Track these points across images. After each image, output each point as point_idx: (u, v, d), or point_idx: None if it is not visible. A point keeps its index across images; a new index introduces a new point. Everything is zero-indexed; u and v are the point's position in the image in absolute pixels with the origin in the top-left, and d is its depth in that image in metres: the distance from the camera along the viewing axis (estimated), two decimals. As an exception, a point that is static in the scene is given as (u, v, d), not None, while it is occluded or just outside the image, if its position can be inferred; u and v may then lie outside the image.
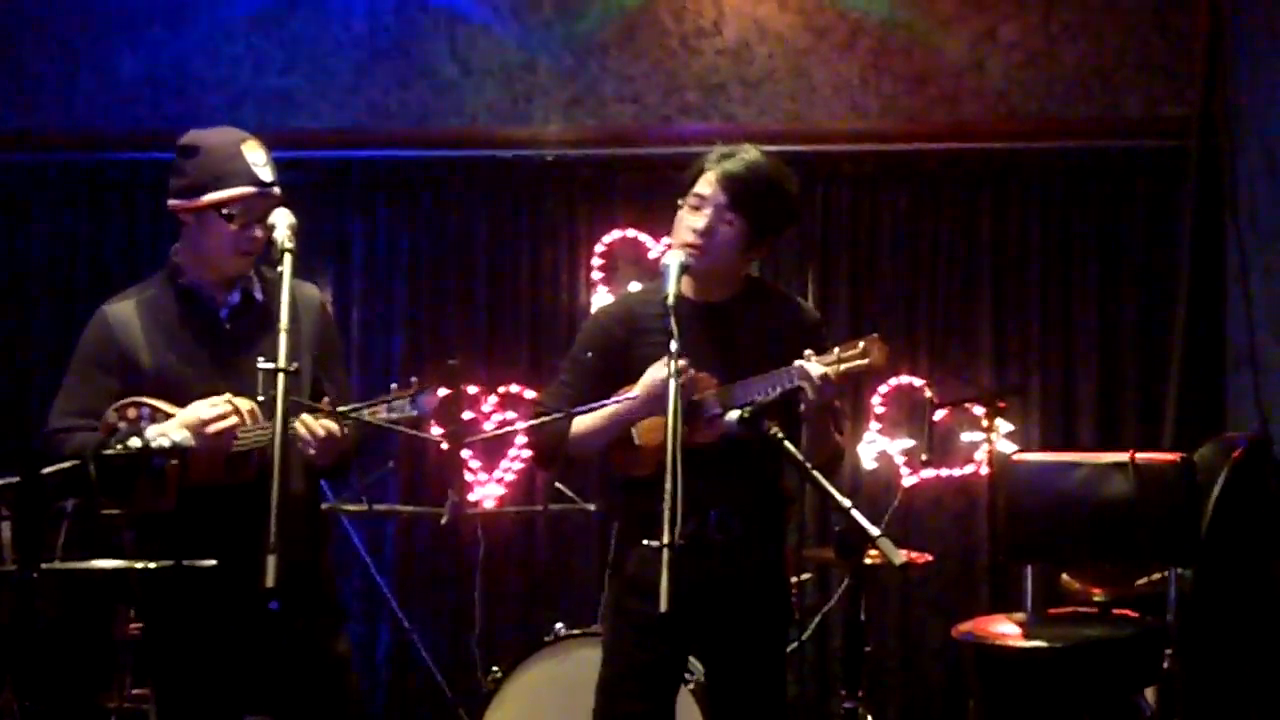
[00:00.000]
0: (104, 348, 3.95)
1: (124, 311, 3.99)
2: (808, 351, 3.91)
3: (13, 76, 7.04)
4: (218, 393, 3.83)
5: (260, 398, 3.73)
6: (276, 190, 3.94)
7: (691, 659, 4.64)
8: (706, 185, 4.04)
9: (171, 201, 3.97)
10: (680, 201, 4.09)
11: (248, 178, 3.90)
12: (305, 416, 3.79)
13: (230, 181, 3.89)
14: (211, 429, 3.77)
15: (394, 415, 3.79)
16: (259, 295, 4.02)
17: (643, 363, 4.01)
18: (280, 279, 3.77)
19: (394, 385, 3.80)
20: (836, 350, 3.92)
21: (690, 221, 4.04)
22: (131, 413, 3.85)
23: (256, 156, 3.93)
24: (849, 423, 6.51)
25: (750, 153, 4.08)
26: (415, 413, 3.77)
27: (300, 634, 3.92)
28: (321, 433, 3.79)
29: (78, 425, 3.88)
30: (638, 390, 3.99)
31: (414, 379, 3.79)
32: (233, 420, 3.79)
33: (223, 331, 3.97)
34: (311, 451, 3.81)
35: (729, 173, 4.02)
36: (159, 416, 3.83)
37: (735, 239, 4.05)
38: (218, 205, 3.89)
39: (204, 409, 3.79)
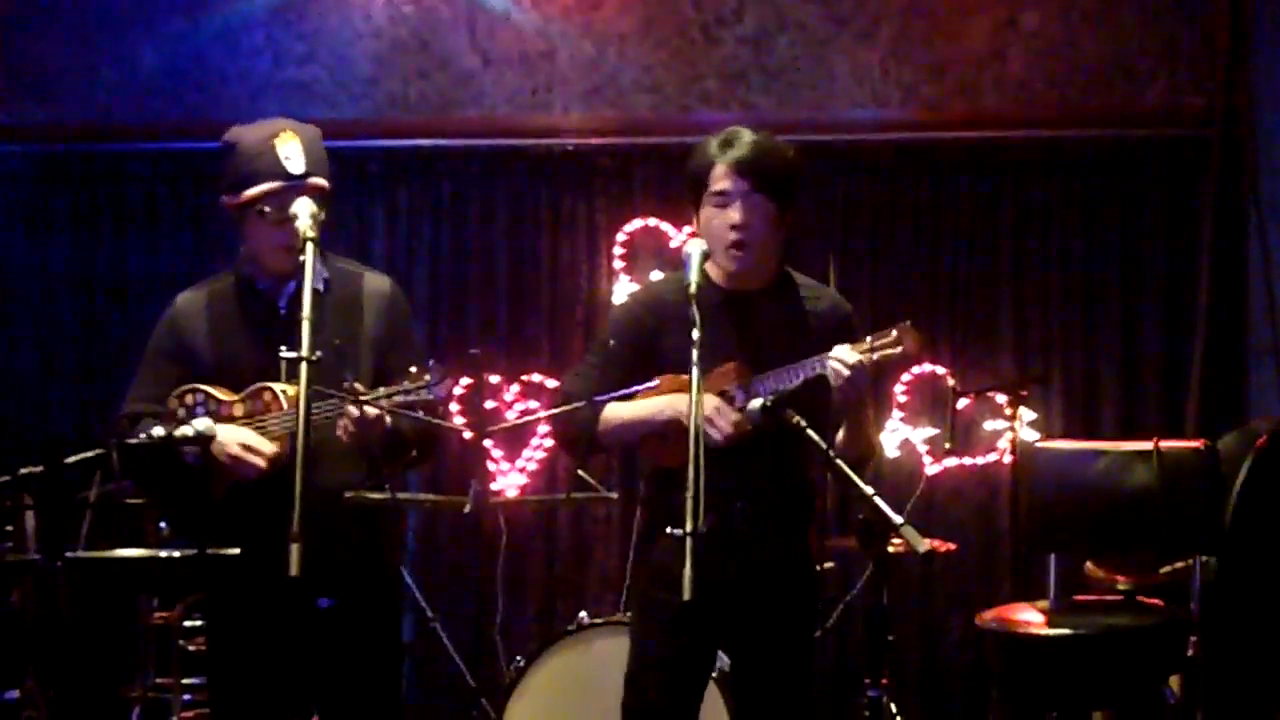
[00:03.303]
0: (168, 336, 4.08)
1: (192, 301, 4.09)
2: (843, 345, 3.88)
3: (34, 69, 7.05)
4: (270, 379, 3.88)
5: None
6: (314, 180, 3.95)
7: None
8: (724, 179, 3.98)
9: (222, 199, 4.01)
10: (695, 202, 4.06)
11: (275, 173, 3.91)
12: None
13: (260, 178, 3.92)
14: (233, 451, 3.83)
15: (411, 399, 3.78)
16: (319, 285, 3.99)
17: (670, 351, 3.98)
18: (346, 269, 4.05)
19: (412, 369, 3.81)
20: (870, 338, 3.86)
21: (725, 219, 3.98)
22: (189, 399, 3.94)
23: (288, 149, 3.93)
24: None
25: (745, 134, 4.03)
26: (430, 396, 3.77)
27: (354, 630, 3.96)
28: (355, 413, 3.78)
29: (142, 411, 3.98)
30: (665, 409, 3.98)
31: (431, 361, 3.79)
32: (258, 463, 3.84)
33: (279, 320, 3.98)
34: (344, 436, 3.81)
35: (739, 159, 3.97)
36: (213, 402, 3.92)
37: (769, 220, 4.02)
38: (252, 202, 3.92)
39: (248, 436, 3.85)
